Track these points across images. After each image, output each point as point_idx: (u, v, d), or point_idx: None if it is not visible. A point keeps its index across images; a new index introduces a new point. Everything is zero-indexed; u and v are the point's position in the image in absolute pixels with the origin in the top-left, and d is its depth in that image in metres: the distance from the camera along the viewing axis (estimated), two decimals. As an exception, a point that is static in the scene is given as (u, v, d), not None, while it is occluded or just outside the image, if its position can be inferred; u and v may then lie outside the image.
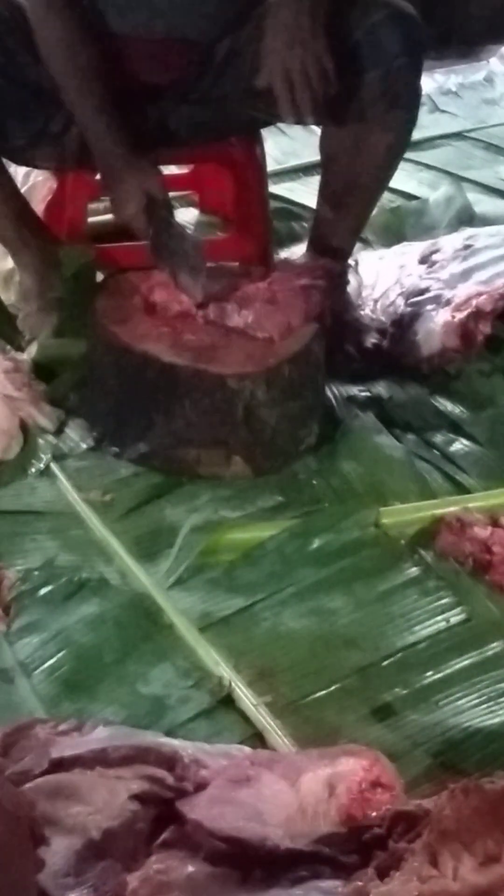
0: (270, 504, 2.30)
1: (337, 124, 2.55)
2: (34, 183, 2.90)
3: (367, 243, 3.07)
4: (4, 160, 2.64)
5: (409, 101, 2.58)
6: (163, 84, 2.57)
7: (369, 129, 2.54)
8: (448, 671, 1.91)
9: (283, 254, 3.05)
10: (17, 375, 2.55)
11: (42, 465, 2.41)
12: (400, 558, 2.14)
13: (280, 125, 3.17)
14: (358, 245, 2.87)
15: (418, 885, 1.37)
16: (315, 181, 2.83)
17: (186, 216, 3.28)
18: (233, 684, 1.88)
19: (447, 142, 3.89)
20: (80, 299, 2.63)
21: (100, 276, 2.74)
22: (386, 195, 2.86)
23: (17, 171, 2.80)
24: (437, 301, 2.74)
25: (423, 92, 2.71)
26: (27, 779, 1.58)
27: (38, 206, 2.84)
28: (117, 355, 2.43)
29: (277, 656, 1.95)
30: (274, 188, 3.25)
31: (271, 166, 3.14)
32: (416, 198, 3.42)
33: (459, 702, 1.85)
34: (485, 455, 2.44)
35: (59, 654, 1.95)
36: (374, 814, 1.53)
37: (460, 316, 2.67)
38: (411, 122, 2.63)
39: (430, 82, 4.09)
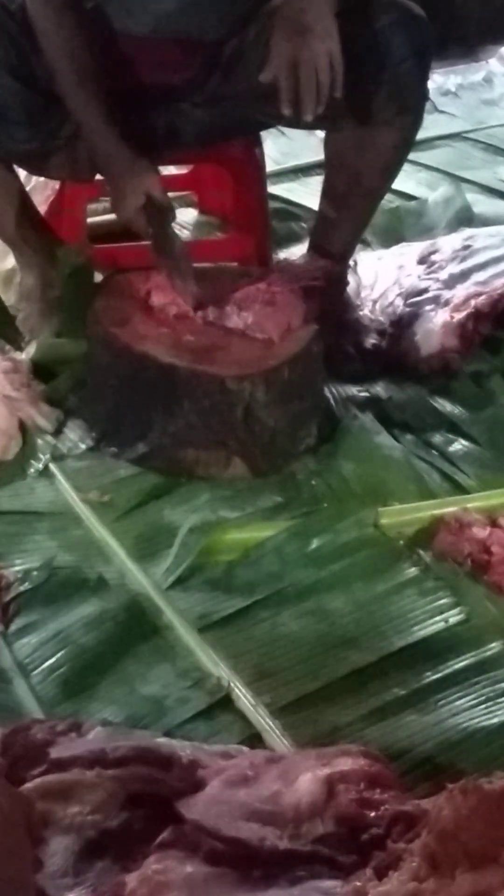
0: (269, 504, 2.30)
1: (343, 126, 2.54)
2: (36, 183, 2.91)
3: (366, 244, 3.07)
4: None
5: (415, 103, 2.58)
6: (171, 84, 2.57)
7: (375, 130, 2.54)
8: (447, 671, 1.91)
9: (283, 254, 3.05)
10: (16, 376, 2.55)
11: (41, 466, 2.41)
12: (399, 558, 2.14)
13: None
14: (357, 245, 2.87)
15: (416, 885, 1.37)
16: (314, 182, 2.83)
17: (186, 216, 3.29)
18: (231, 684, 1.89)
19: (446, 142, 3.89)
20: (78, 299, 2.63)
21: (99, 277, 2.75)
22: (385, 196, 2.86)
23: (21, 171, 2.80)
24: (436, 301, 2.74)
25: (424, 92, 2.71)
26: (26, 779, 1.59)
27: (41, 207, 2.84)
28: (117, 356, 2.43)
29: (276, 656, 1.96)
30: (273, 189, 3.25)
31: (270, 167, 3.14)
32: (415, 198, 3.42)
33: (458, 702, 1.85)
34: (483, 455, 2.44)
35: (58, 655, 1.95)
36: (372, 814, 1.53)
37: (459, 316, 2.67)
38: (417, 123, 2.63)
39: (430, 83, 4.05)
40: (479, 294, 2.71)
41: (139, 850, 1.51)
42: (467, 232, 3.07)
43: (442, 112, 4.12)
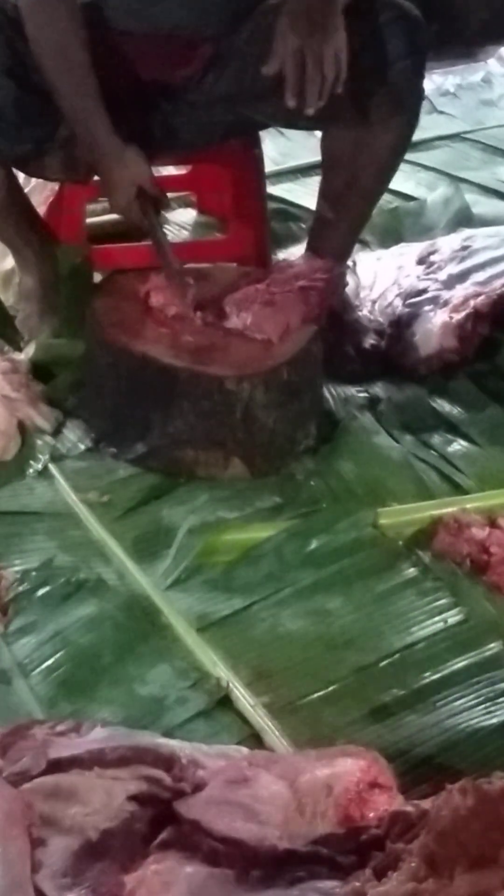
0: (268, 505, 2.31)
1: (339, 126, 2.54)
2: (35, 184, 2.91)
3: (365, 244, 3.07)
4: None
5: (412, 103, 2.58)
6: (170, 82, 2.57)
7: (372, 130, 2.54)
8: (446, 672, 1.91)
9: (282, 255, 3.05)
10: (15, 376, 2.55)
11: (40, 466, 2.41)
12: (398, 559, 2.14)
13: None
14: (356, 246, 2.87)
15: (415, 885, 1.37)
16: (313, 182, 2.83)
17: (185, 217, 3.29)
18: (231, 685, 1.89)
19: (445, 143, 3.89)
20: (78, 300, 2.63)
21: (99, 277, 2.75)
22: (384, 196, 2.86)
23: (20, 172, 2.80)
24: (435, 302, 2.74)
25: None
26: (25, 779, 1.58)
27: (40, 207, 2.85)
28: (116, 356, 2.43)
29: (275, 657, 1.96)
30: (272, 189, 3.26)
31: (269, 167, 3.14)
32: (414, 199, 3.42)
33: (457, 702, 1.85)
34: (482, 456, 2.44)
35: (57, 655, 1.95)
36: (371, 814, 1.53)
37: (458, 317, 2.67)
38: (413, 123, 2.63)
39: (429, 83, 4.04)
40: (478, 294, 2.71)
41: (138, 851, 1.51)
42: (466, 232, 3.07)
43: (441, 112, 4.12)
